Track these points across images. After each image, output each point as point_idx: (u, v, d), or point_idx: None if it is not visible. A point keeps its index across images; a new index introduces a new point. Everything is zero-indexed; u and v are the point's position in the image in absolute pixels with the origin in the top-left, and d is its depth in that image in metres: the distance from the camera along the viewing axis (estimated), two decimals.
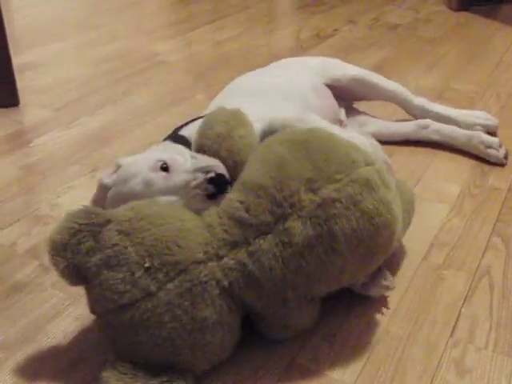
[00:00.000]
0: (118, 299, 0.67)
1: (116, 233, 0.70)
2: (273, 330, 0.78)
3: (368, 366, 0.75)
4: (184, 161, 0.82)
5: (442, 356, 0.76)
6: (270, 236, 0.71)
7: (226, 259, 0.70)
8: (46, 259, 0.94)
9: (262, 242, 0.70)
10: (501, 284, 0.89)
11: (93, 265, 0.69)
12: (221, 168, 0.79)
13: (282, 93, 1.13)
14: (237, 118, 0.85)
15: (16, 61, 1.58)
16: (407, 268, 0.92)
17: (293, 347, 0.78)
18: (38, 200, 1.12)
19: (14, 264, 0.95)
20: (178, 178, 0.79)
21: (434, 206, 1.08)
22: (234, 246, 0.71)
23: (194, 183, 0.77)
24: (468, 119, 1.30)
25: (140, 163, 0.82)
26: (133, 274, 0.67)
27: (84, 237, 0.70)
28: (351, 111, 1.33)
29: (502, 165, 1.21)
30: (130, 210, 0.72)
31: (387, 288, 0.83)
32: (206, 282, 0.69)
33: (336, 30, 2.12)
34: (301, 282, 0.71)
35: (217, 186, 0.76)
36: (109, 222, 0.71)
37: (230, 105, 1.04)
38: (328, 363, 0.76)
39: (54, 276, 0.92)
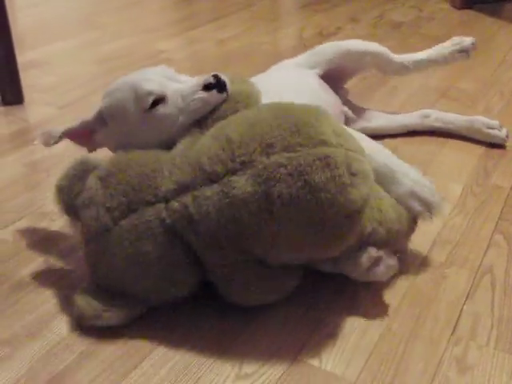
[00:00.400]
0: (87, 233, 0.82)
1: (95, 178, 0.83)
2: (229, 291, 0.81)
3: (370, 363, 0.76)
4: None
5: (443, 353, 0.77)
6: (215, 185, 0.76)
7: (172, 202, 0.78)
8: (51, 255, 0.96)
9: (206, 189, 0.76)
10: (503, 282, 0.89)
11: (78, 204, 0.84)
12: (220, 76, 0.87)
13: (295, 91, 1.14)
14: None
15: (20, 59, 1.58)
16: (410, 266, 0.93)
17: (295, 344, 0.79)
18: (43, 197, 1.13)
19: (19, 260, 0.96)
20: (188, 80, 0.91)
21: None
22: (183, 189, 0.78)
23: (197, 81, 0.87)
24: (444, 50, 1.31)
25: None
26: (98, 212, 0.80)
27: (76, 181, 0.86)
28: (354, 108, 1.34)
29: (504, 146, 1.26)
30: (110, 160, 0.85)
31: (393, 268, 0.83)
32: (150, 221, 0.78)
33: (339, 28, 2.12)
34: (233, 233, 0.75)
35: (216, 80, 0.85)
36: (95, 168, 0.85)
37: None
38: (330, 360, 0.76)
39: (59, 272, 0.93)
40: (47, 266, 0.94)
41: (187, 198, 0.77)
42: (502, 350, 0.77)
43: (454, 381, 0.73)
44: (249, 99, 0.87)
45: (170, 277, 0.79)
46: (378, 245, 0.82)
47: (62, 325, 0.83)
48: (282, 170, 0.73)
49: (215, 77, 0.86)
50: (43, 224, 1.05)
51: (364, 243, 0.81)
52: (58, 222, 1.05)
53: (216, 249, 0.77)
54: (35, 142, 1.06)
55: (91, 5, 2.57)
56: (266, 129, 0.77)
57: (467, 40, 1.29)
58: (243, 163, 0.76)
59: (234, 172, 0.76)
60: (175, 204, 0.78)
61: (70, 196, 0.85)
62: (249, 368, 0.75)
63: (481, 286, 0.88)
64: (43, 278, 0.92)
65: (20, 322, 0.83)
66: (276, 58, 1.42)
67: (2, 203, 1.12)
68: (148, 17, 2.36)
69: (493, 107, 1.46)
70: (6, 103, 1.54)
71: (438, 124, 1.32)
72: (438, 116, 1.32)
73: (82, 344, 0.79)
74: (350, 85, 1.39)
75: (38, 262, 0.95)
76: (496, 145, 1.28)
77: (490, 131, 1.27)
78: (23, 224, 1.05)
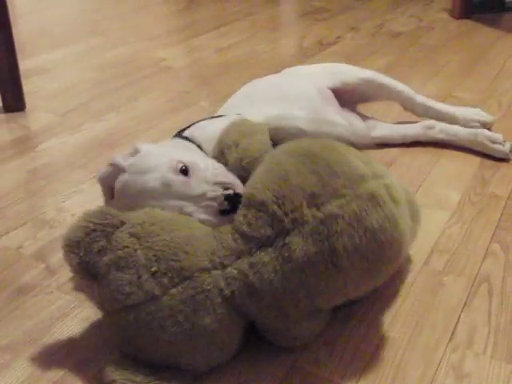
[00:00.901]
0: (124, 300, 0.70)
1: (128, 235, 0.72)
2: (277, 340, 0.78)
3: (368, 370, 0.76)
4: (204, 168, 0.83)
5: (440, 361, 0.78)
6: (270, 249, 0.71)
7: (229, 269, 0.72)
8: (51, 262, 0.97)
9: (262, 254, 0.71)
10: (500, 290, 0.90)
11: (103, 264, 0.72)
12: (240, 187, 0.81)
13: (291, 98, 1.16)
14: (252, 127, 0.89)
15: (22, 66, 1.60)
16: (407, 273, 0.93)
17: (294, 351, 0.79)
18: (44, 204, 1.14)
19: (20, 267, 0.97)
20: (196, 186, 0.80)
21: (434, 213, 1.09)
22: (238, 255, 0.73)
23: (210, 194, 0.79)
24: (467, 115, 1.36)
25: (160, 158, 0.83)
26: (140, 276, 0.69)
27: (97, 236, 0.73)
28: (360, 116, 1.35)
29: (508, 159, 1.26)
30: (143, 214, 0.75)
31: None
32: (208, 290, 0.70)
33: (339, 37, 2.13)
34: (302, 296, 0.71)
35: (231, 204, 0.78)
36: (122, 223, 0.74)
37: (242, 110, 1.07)
38: (329, 367, 0.77)
39: (59, 278, 0.93)
40: (48, 272, 0.95)
41: (244, 265, 0.71)
42: (498, 358, 0.78)
43: None
44: (256, 164, 0.83)
45: (222, 347, 0.73)
46: None
47: (62, 330, 0.83)
48: (340, 221, 0.70)
49: (229, 200, 0.79)
50: (44, 230, 1.06)
51: None
52: (58, 229, 1.06)
53: (280, 315, 0.73)
54: None
55: (93, 12, 2.59)
56: (300, 178, 0.73)
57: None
58: (294, 220, 0.71)
59: (286, 232, 0.71)
60: (234, 272, 0.71)
61: (89, 252, 0.72)
62: (248, 374, 0.76)
63: (478, 295, 0.89)
64: (44, 284, 0.93)
65: (21, 328, 0.84)
66: (276, 66, 1.44)
67: (3, 210, 1.13)
68: (149, 24, 2.38)
69: None
70: (8, 110, 1.55)
71: (441, 136, 1.33)
72: (442, 128, 1.32)
73: (83, 350, 0.80)
74: None
75: (39, 268, 0.96)
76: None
77: (494, 146, 1.27)
78: (24, 230, 1.06)
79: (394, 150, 1.32)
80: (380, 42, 2.07)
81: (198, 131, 1.00)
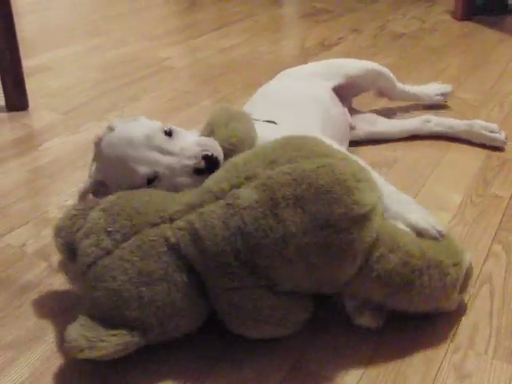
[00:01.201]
0: (87, 260, 0.77)
1: (98, 210, 0.80)
2: (237, 321, 0.78)
3: (369, 370, 0.77)
4: (189, 134, 0.87)
5: (442, 361, 0.78)
6: (221, 201, 0.76)
7: (177, 221, 0.77)
8: (54, 260, 0.97)
9: (212, 204, 0.76)
10: (501, 291, 0.90)
11: (78, 238, 0.80)
12: (219, 151, 0.84)
13: (305, 104, 1.16)
14: (239, 113, 0.92)
15: (25, 65, 1.60)
16: None
17: (295, 350, 0.80)
18: (47, 202, 1.14)
19: (24, 265, 0.97)
20: (177, 143, 0.84)
21: (436, 214, 1.09)
22: (189, 209, 0.77)
23: (189, 152, 0.82)
24: (427, 92, 1.52)
25: (143, 124, 0.87)
26: (98, 238, 0.77)
27: (78, 219, 0.82)
28: (356, 112, 1.37)
29: (503, 149, 1.32)
30: (116, 195, 0.82)
31: (374, 321, 0.81)
32: (154, 240, 0.76)
33: (341, 38, 2.14)
34: (239, 245, 0.73)
35: (208, 164, 0.82)
36: (97, 203, 0.82)
37: (258, 116, 1.05)
38: (330, 366, 0.77)
39: (62, 276, 0.94)
40: (51, 270, 0.95)
41: (193, 216, 0.76)
42: (499, 359, 0.78)
43: None
44: (242, 145, 0.87)
45: (172, 304, 0.75)
46: (396, 279, 0.77)
47: (65, 329, 0.83)
48: (287, 176, 0.74)
49: (206, 159, 0.82)
50: (47, 229, 1.06)
51: (374, 269, 0.76)
52: None
53: (222, 267, 0.74)
54: None
55: (95, 11, 2.60)
56: (269, 150, 0.79)
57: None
58: (248, 178, 0.76)
59: (238, 186, 0.76)
60: (180, 222, 0.76)
61: (69, 233, 0.81)
62: (249, 374, 0.76)
63: (480, 296, 0.89)
64: (47, 282, 0.93)
65: (24, 326, 0.84)
66: (278, 67, 1.44)
67: (6, 208, 1.13)
68: (151, 24, 2.39)
69: (493, 119, 1.47)
70: (11, 109, 1.56)
71: (438, 128, 1.37)
72: (439, 121, 1.37)
73: None
74: None
75: (42, 266, 0.96)
76: (496, 153, 1.29)
77: (490, 134, 1.32)
78: (27, 229, 1.06)
79: (396, 152, 1.32)
80: (382, 43, 2.07)
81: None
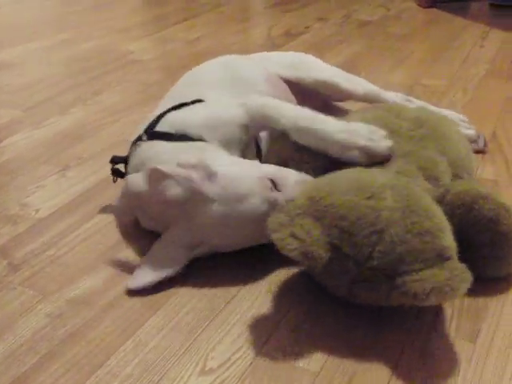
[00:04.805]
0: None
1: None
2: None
3: (333, 355, 0.77)
4: (286, 174, 0.88)
5: (405, 342, 0.78)
6: None
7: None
8: (15, 257, 0.95)
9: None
10: None
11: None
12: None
13: (240, 83, 1.14)
14: None
15: None
16: None
17: (261, 338, 0.79)
18: (7, 199, 1.12)
19: None
20: (292, 191, 0.85)
21: None
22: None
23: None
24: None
25: (245, 179, 0.86)
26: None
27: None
28: (333, 109, 1.33)
29: (483, 152, 1.26)
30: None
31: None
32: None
33: (307, 27, 2.14)
34: None
35: None
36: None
37: (191, 96, 1.03)
38: (294, 353, 0.77)
39: (23, 274, 0.92)
40: (11, 268, 0.94)
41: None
42: (461, 338, 0.79)
43: (415, 369, 0.74)
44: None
45: None
46: None
47: (25, 327, 0.82)
48: None
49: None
50: (7, 226, 1.04)
51: None
52: (22, 225, 1.04)
53: None
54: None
55: (61, 6, 2.56)
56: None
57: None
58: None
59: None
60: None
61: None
62: (214, 362, 0.76)
63: None
64: (7, 280, 0.91)
65: None
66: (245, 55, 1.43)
67: None
68: (118, 18, 2.36)
69: (457, 103, 1.49)
70: None
71: None
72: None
73: (45, 345, 0.79)
74: None
75: (2, 264, 0.94)
76: None
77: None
78: None
79: None
80: (348, 31, 2.08)
81: (187, 125, 0.96)
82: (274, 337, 0.80)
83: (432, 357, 0.76)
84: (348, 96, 1.28)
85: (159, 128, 0.98)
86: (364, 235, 0.76)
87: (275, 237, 0.75)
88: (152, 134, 0.97)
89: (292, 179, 0.87)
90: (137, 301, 0.86)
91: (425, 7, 2.30)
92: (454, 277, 0.72)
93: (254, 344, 0.79)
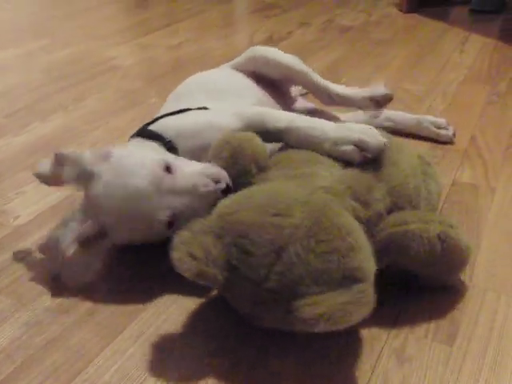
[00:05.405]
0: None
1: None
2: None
3: (307, 356, 0.77)
4: (185, 162, 0.86)
5: (383, 346, 0.79)
6: None
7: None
8: None
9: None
10: None
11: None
12: (227, 179, 0.84)
13: (236, 90, 1.16)
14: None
15: None
16: None
17: (237, 345, 0.80)
18: None
19: None
20: (185, 179, 0.83)
21: None
22: None
23: (202, 188, 0.82)
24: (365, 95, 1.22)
25: (139, 159, 0.84)
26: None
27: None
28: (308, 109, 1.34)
29: (451, 143, 1.32)
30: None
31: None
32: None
33: (290, 32, 2.15)
34: None
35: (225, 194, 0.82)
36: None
37: (193, 103, 1.04)
38: (270, 350, 0.77)
39: (0, 282, 0.91)
40: None
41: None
42: (439, 341, 0.80)
43: (392, 372, 0.75)
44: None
45: None
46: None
47: (1, 336, 0.81)
48: None
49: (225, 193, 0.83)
50: None
51: None
52: (0, 232, 1.03)
53: None
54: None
55: (40, 12, 2.54)
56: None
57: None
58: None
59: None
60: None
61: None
62: (192, 369, 0.76)
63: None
64: None
65: None
66: (226, 62, 1.43)
67: None
68: (98, 24, 2.35)
69: (436, 107, 1.50)
70: None
71: (387, 123, 1.34)
72: (387, 115, 1.35)
73: (22, 354, 0.78)
74: None
75: None
76: (440, 145, 1.32)
77: (439, 131, 1.33)
78: None
79: None
80: (330, 36, 2.09)
81: (167, 128, 0.97)
82: (250, 345, 0.80)
83: (409, 361, 0.77)
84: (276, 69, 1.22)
85: (152, 127, 0.99)
86: (261, 254, 0.71)
87: (173, 255, 0.71)
88: (142, 129, 1.00)
89: (190, 169, 0.85)
90: (115, 308, 0.86)
91: (406, 13, 2.32)
92: (354, 301, 0.67)
93: (230, 350, 0.79)
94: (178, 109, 1.04)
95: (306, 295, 0.70)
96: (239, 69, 1.27)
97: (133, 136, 1.00)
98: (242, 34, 2.17)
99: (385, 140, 0.88)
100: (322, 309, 0.67)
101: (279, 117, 0.96)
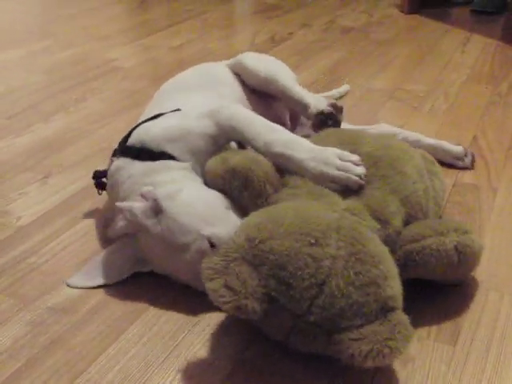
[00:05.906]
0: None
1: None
2: None
3: (309, 354, 0.77)
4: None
5: None
6: None
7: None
8: None
9: None
10: None
11: None
12: None
13: (218, 86, 1.18)
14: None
15: None
16: None
17: (241, 345, 0.80)
18: None
19: None
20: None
21: None
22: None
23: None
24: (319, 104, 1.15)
25: (187, 232, 0.84)
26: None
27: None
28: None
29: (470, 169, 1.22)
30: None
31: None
32: None
33: (291, 33, 2.15)
34: None
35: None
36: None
37: (177, 100, 1.04)
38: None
39: (3, 282, 0.91)
40: None
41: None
42: (441, 341, 0.80)
43: (395, 372, 0.75)
44: None
45: None
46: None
47: (5, 335, 0.81)
48: None
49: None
50: None
51: None
52: (3, 232, 1.03)
53: None
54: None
55: (42, 13, 2.55)
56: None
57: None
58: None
59: None
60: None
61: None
62: (194, 369, 0.76)
63: (422, 282, 0.91)
64: None
65: None
66: None
67: None
68: (100, 25, 2.35)
69: (438, 107, 1.50)
70: None
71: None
72: (404, 136, 1.24)
73: (26, 353, 0.78)
74: None
75: None
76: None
77: (455, 161, 1.23)
78: None
79: None
80: (331, 37, 2.09)
81: (152, 138, 0.95)
82: (253, 344, 0.80)
83: (412, 361, 0.77)
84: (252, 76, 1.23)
85: (130, 141, 0.98)
86: (303, 288, 0.70)
87: (209, 286, 0.70)
88: (123, 149, 0.98)
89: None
90: (117, 309, 0.86)
91: (407, 13, 2.32)
92: (396, 335, 0.68)
93: (233, 351, 0.79)
94: (150, 115, 1.03)
95: (347, 329, 0.70)
96: (231, 69, 1.28)
97: (115, 153, 0.99)
98: (244, 34, 2.18)
99: (363, 171, 0.85)
100: (369, 345, 0.67)
101: (253, 131, 0.92)
